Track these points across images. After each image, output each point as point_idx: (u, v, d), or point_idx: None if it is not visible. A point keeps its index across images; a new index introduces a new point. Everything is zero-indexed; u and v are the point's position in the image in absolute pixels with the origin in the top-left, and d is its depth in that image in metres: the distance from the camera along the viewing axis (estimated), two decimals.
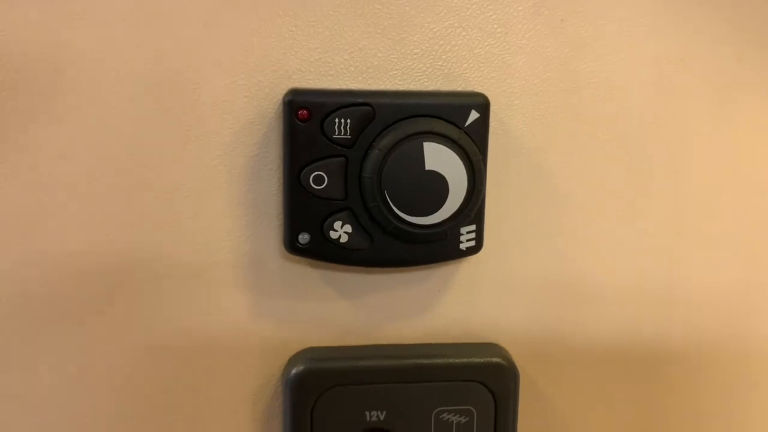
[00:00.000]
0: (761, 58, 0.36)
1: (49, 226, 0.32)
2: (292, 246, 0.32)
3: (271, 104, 0.32)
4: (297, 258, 0.33)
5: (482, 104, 0.32)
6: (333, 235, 0.32)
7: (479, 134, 0.32)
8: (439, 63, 0.33)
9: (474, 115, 0.31)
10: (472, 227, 0.33)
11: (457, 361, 0.34)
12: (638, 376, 0.38)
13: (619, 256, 0.36)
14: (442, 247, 0.33)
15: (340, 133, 0.31)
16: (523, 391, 0.36)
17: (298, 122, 0.31)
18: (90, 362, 0.33)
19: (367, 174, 0.31)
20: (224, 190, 0.33)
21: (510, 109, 0.34)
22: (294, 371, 0.33)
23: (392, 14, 0.32)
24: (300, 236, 0.32)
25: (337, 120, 0.31)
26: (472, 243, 0.33)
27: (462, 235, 0.33)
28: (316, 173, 0.31)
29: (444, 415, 0.34)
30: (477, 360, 0.34)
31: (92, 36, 0.31)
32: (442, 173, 0.31)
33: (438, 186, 0.31)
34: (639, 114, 0.35)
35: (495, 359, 0.34)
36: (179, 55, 0.31)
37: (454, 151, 0.31)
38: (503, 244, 0.35)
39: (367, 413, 0.33)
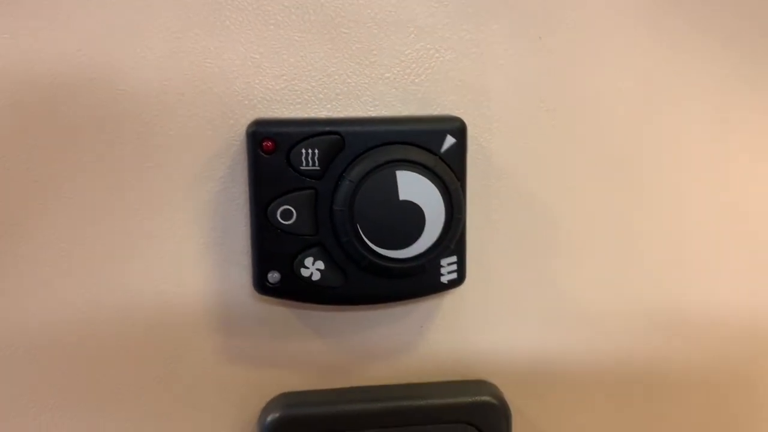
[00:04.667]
0: (755, 75, 0.34)
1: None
2: (261, 286, 0.30)
3: (235, 136, 0.31)
4: (269, 297, 0.31)
5: (458, 129, 0.30)
6: (304, 272, 0.30)
7: (456, 160, 0.30)
8: (412, 87, 0.31)
9: (450, 141, 0.30)
10: (453, 258, 0.31)
11: (443, 401, 0.32)
12: (634, 404, 0.36)
13: (613, 280, 0.35)
14: (421, 281, 0.31)
15: (308, 165, 0.29)
16: (515, 428, 0.34)
17: (263, 154, 0.29)
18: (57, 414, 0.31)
19: (338, 206, 0.29)
20: (189, 228, 0.31)
21: (489, 133, 0.32)
22: (269, 418, 0.31)
23: (361, 38, 0.31)
24: (270, 275, 0.30)
25: (304, 150, 0.29)
26: (454, 275, 0.31)
27: (443, 267, 0.31)
28: (283, 207, 0.29)
29: None
30: (465, 399, 0.32)
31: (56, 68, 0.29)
32: (417, 203, 0.29)
33: (414, 217, 0.29)
34: (630, 131, 0.33)
35: (484, 398, 0.33)
36: (138, 85, 0.30)
37: (430, 179, 0.29)
38: (488, 274, 0.33)
39: None
